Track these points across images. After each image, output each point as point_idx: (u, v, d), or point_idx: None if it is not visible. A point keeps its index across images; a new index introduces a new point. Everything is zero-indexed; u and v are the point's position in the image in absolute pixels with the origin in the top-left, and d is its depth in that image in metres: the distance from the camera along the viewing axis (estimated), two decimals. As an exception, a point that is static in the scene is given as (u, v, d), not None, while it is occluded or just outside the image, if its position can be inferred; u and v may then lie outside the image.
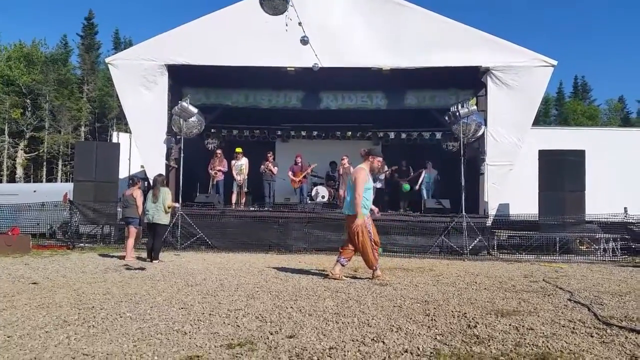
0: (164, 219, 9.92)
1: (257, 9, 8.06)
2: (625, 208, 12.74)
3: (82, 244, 12.65)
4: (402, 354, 3.70)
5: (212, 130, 16.71)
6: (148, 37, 13.88)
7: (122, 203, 11.15)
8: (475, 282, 7.39)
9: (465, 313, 5.07)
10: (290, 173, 14.82)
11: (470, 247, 11.78)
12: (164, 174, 11.32)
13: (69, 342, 3.95)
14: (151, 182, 11.13)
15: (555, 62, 12.54)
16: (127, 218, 10.55)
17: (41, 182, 43.84)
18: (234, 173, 14.48)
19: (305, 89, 14.64)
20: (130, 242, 10.21)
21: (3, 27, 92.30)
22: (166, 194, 9.98)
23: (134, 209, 10.32)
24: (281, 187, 15.46)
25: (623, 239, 12.14)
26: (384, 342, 3.97)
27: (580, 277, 8.22)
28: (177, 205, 10.66)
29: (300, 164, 14.81)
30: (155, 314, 4.96)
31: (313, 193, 14.96)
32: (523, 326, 4.52)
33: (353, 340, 4.03)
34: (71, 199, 13.46)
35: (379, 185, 14.54)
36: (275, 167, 14.76)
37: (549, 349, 3.85)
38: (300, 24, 9.64)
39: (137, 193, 10.42)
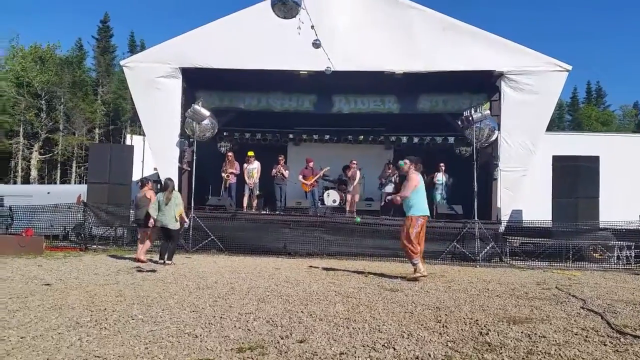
0: (176, 224, 9.97)
1: (269, 12, 8.07)
2: (640, 215, 12.60)
3: (95, 246, 12.75)
4: (413, 361, 3.68)
5: (225, 134, 16.76)
6: (162, 41, 14.00)
7: (134, 205, 11.21)
8: (487, 289, 7.34)
9: (477, 320, 5.03)
10: (301, 177, 14.80)
11: (483, 253, 11.70)
12: (173, 178, 11.28)
13: (81, 343, 3.98)
14: (162, 185, 11.15)
15: (569, 67, 12.42)
16: (138, 220, 10.61)
17: (55, 183, 44.26)
18: (246, 176, 14.51)
19: (318, 93, 14.62)
20: (144, 244, 10.26)
21: (20, 30, 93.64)
22: (178, 200, 10.03)
23: (145, 211, 10.36)
24: (293, 191, 15.46)
25: (637, 246, 11.98)
26: (394, 348, 3.96)
27: (593, 284, 8.14)
28: (185, 221, 10.62)
29: (311, 168, 14.80)
30: (167, 316, 4.99)
31: (324, 197, 14.94)
32: (535, 334, 4.49)
33: (364, 346, 4.02)
34: (85, 200, 13.57)
35: (389, 189, 14.49)
36: (287, 171, 14.74)
37: (562, 357, 3.82)
38: (312, 27, 9.64)
39: (150, 193, 10.47)
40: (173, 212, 9.89)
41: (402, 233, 8.28)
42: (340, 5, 12.92)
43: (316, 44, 10.56)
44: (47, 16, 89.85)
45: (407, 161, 8.58)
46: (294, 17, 8.13)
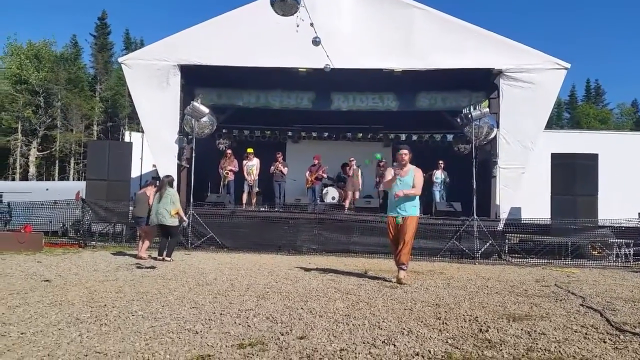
0: (171, 220, 9.87)
1: (268, 9, 8.05)
2: (639, 213, 12.61)
3: (94, 242, 12.73)
4: (413, 357, 3.69)
5: (224, 131, 16.77)
6: (159, 38, 13.98)
7: (134, 202, 11.19)
8: (487, 286, 7.35)
9: (476, 317, 5.04)
10: (307, 173, 14.88)
11: (482, 250, 11.71)
12: (172, 175, 11.16)
13: (81, 339, 3.98)
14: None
15: (568, 65, 12.42)
16: (136, 217, 10.60)
17: (54, 180, 44.21)
18: (245, 173, 14.52)
19: (317, 90, 14.64)
20: (143, 240, 10.24)
21: (17, 29, 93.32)
22: (173, 197, 9.95)
23: (143, 208, 10.33)
24: (291, 188, 15.48)
25: (636, 244, 11.99)
26: (394, 345, 3.96)
27: (592, 282, 8.15)
28: (184, 220, 10.47)
29: (317, 165, 14.84)
30: (167, 312, 4.99)
31: (323, 194, 14.95)
32: (535, 331, 4.50)
33: (364, 343, 4.02)
34: (84, 197, 13.55)
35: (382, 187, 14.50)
36: (286, 168, 14.76)
37: (561, 354, 3.82)
38: (312, 24, 9.62)
39: (151, 191, 10.43)
40: (168, 209, 9.79)
41: (406, 234, 7.38)
42: (340, 3, 12.90)
43: (316, 42, 10.54)
44: (42, 14, 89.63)
45: (406, 151, 7.83)
46: (294, 14, 8.11)
